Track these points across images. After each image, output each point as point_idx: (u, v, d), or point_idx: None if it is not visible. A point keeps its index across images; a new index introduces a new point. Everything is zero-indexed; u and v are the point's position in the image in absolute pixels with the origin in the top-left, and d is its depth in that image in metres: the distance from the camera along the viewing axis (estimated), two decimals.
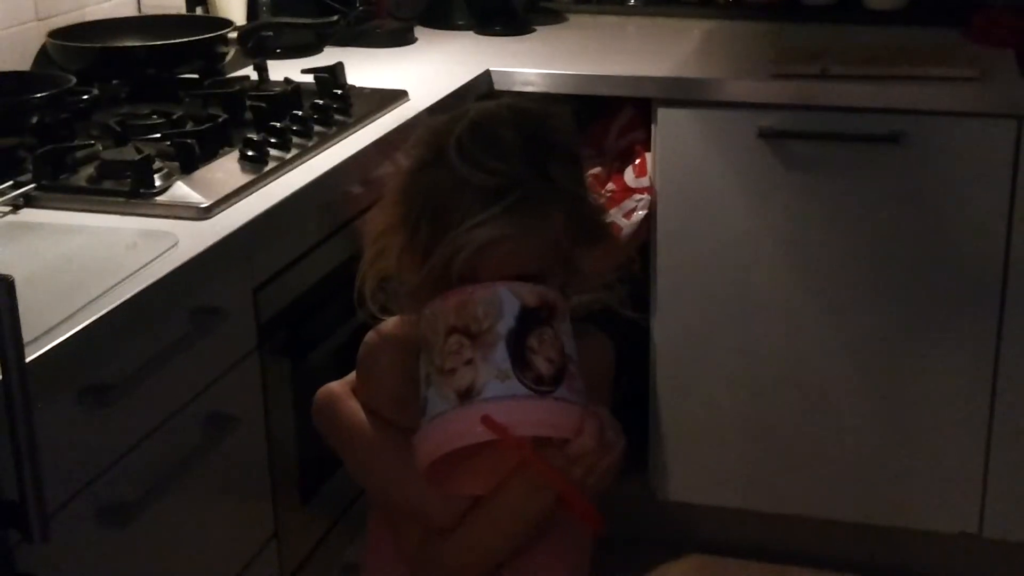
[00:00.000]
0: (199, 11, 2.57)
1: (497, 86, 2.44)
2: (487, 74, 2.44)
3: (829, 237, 2.40)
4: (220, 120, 1.88)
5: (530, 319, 1.24)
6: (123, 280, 1.41)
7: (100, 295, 1.37)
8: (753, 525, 2.62)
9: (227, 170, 1.76)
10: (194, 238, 1.55)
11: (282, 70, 2.23)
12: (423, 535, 1.40)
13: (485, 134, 1.30)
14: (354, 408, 1.43)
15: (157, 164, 1.71)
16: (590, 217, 1.37)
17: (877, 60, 2.40)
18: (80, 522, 1.36)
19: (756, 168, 2.39)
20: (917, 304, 2.39)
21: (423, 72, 2.43)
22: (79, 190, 1.69)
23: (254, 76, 2.21)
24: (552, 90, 2.42)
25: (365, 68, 2.38)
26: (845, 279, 2.42)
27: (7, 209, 1.64)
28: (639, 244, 2.45)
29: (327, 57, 2.47)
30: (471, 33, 2.81)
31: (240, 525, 1.72)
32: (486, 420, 1.21)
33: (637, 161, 2.46)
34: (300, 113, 1.95)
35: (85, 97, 1.99)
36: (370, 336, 1.43)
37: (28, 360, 1.20)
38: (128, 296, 1.38)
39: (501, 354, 1.22)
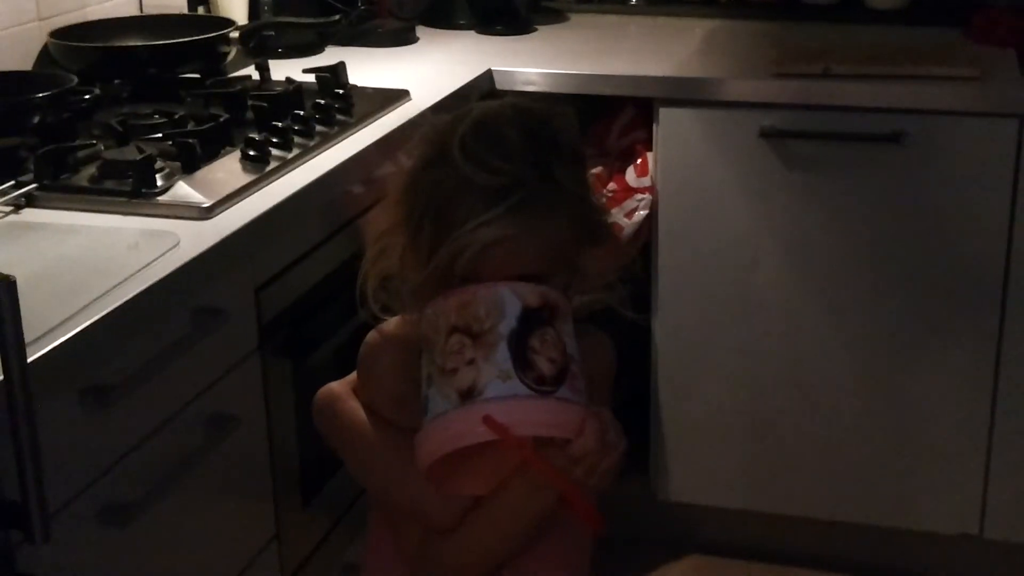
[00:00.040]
0: (201, 11, 2.57)
1: (499, 86, 2.44)
2: (489, 74, 2.44)
3: (830, 237, 2.40)
4: (222, 120, 1.88)
5: (532, 319, 1.24)
6: (124, 280, 1.41)
7: (101, 295, 1.37)
8: (753, 526, 2.62)
9: (229, 170, 1.76)
10: (195, 238, 1.55)
11: (284, 70, 2.23)
12: (423, 535, 1.40)
13: (489, 133, 1.30)
14: (354, 408, 1.43)
15: (159, 164, 1.71)
16: (593, 217, 1.37)
17: (878, 60, 2.40)
18: (81, 522, 1.36)
19: (757, 168, 2.39)
20: (918, 304, 2.39)
21: (425, 72, 2.43)
22: (80, 190, 1.69)
23: (256, 76, 2.21)
24: (554, 90, 2.42)
25: (367, 68, 2.38)
26: (846, 279, 2.42)
27: (9, 209, 1.64)
28: (641, 244, 2.45)
29: (329, 57, 2.47)
30: (473, 32, 2.81)
31: (241, 525, 1.72)
32: (487, 420, 1.21)
33: (638, 161, 2.46)
34: (302, 113, 1.95)
35: (87, 97, 1.99)
36: (371, 336, 1.43)
37: (29, 360, 1.20)
38: (129, 296, 1.38)
39: (503, 354, 1.22)
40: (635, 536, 2.64)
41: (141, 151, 1.74)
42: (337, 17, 2.59)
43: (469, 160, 1.28)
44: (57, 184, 1.69)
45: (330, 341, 1.85)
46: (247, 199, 1.70)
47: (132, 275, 1.42)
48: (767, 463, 2.54)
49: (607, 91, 2.45)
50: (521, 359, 1.22)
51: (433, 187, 1.31)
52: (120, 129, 1.84)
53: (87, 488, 1.37)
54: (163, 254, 1.49)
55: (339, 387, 1.47)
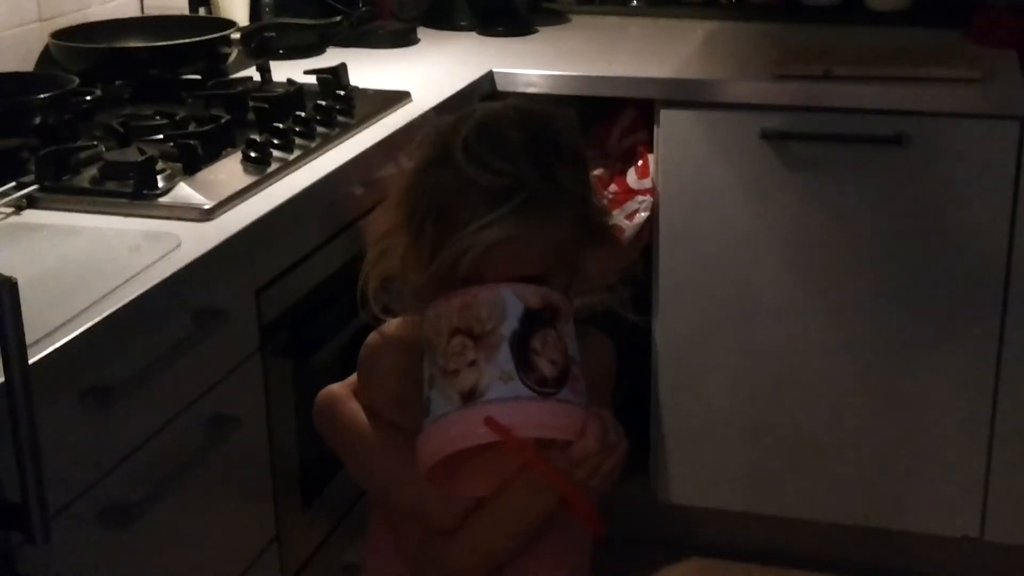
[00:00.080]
0: (202, 12, 2.58)
1: (500, 87, 2.44)
2: (490, 75, 2.44)
3: (831, 238, 2.40)
4: (223, 121, 1.88)
5: (533, 321, 1.24)
6: (126, 281, 1.41)
7: (103, 296, 1.37)
8: (754, 528, 2.62)
9: (230, 171, 1.76)
10: (197, 239, 1.55)
11: (285, 71, 2.23)
12: (424, 536, 1.40)
13: (491, 135, 1.30)
14: (355, 410, 1.44)
15: (160, 165, 1.71)
16: (594, 218, 1.38)
17: (879, 61, 2.40)
18: (82, 523, 1.36)
19: (758, 169, 2.39)
20: (919, 306, 2.39)
21: (426, 73, 2.43)
22: (82, 191, 1.69)
23: (257, 77, 2.21)
24: (555, 91, 2.42)
25: (368, 69, 2.38)
26: (847, 281, 2.41)
27: (10, 210, 1.64)
28: (642, 246, 2.45)
29: (330, 58, 2.47)
30: (474, 34, 2.81)
31: (241, 527, 1.72)
32: (489, 421, 1.21)
33: (639, 162, 2.46)
34: (303, 114, 1.95)
35: (88, 98, 1.99)
36: (372, 337, 1.43)
37: (31, 361, 1.20)
38: (131, 298, 1.38)
39: (504, 356, 1.22)
40: (635, 537, 2.64)
41: (142, 152, 1.74)
42: (338, 18, 2.59)
43: (472, 161, 1.28)
44: (58, 185, 1.69)
45: (331, 342, 1.85)
46: (248, 200, 1.70)
47: (133, 276, 1.42)
48: (767, 465, 2.54)
49: (608, 93, 2.45)
50: (523, 360, 1.22)
51: (435, 188, 1.31)
52: (121, 130, 1.84)
53: (88, 489, 1.37)
54: (164, 255, 1.49)
55: (339, 389, 1.47)
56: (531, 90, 2.42)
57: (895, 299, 2.40)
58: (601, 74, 2.45)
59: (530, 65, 2.49)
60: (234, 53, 2.35)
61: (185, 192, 1.67)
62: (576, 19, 2.95)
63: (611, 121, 2.56)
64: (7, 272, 1.16)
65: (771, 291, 2.45)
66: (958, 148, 2.30)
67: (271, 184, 1.76)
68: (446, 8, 2.87)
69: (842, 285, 2.42)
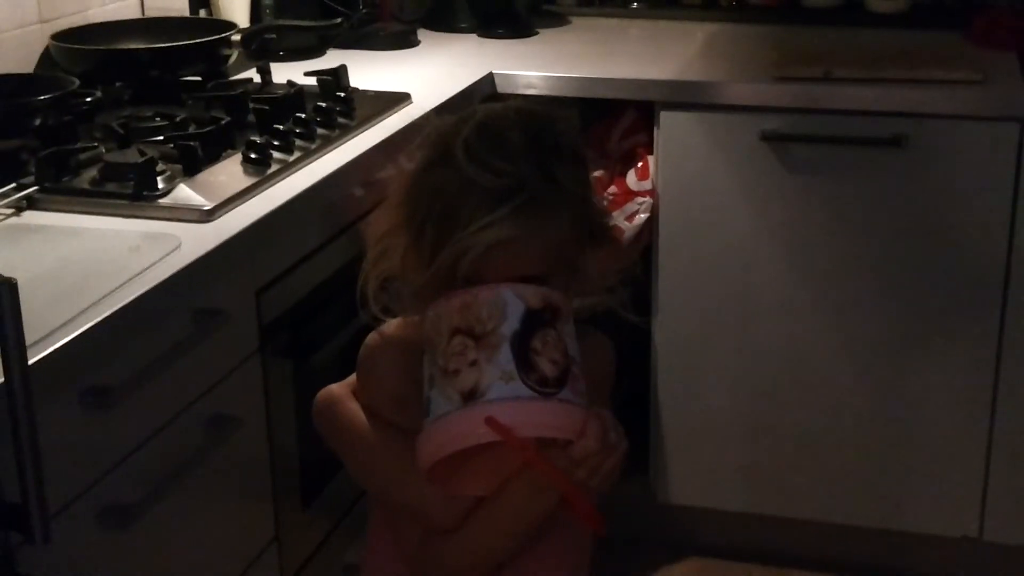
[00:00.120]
0: (202, 13, 2.58)
1: (500, 89, 2.45)
2: (490, 77, 2.44)
3: (831, 240, 2.40)
4: (223, 122, 1.88)
5: (534, 321, 1.24)
6: (126, 282, 1.41)
7: (103, 297, 1.37)
8: (753, 528, 2.62)
9: (230, 172, 1.76)
10: (197, 240, 1.55)
11: (285, 72, 2.23)
12: (424, 536, 1.40)
13: (492, 135, 1.30)
14: (354, 410, 1.44)
15: (160, 166, 1.71)
16: (595, 219, 1.38)
17: (879, 63, 2.40)
18: (82, 524, 1.36)
19: (758, 171, 2.39)
20: (919, 307, 2.39)
21: (426, 75, 2.44)
22: (82, 192, 1.69)
23: (257, 78, 2.21)
24: (555, 93, 2.42)
25: (368, 71, 2.39)
26: (847, 282, 2.42)
27: (10, 211, 1.64)
28: (642, 247, 2.45)
29: (330, 60, 2.47)
30: (474, 36, 2.81)
31: (241, 527, 1.72)
32: (490, 421, 1.21)
33: (639, 164, 2.46)
34: (303, 116, 1.95)
35: (88, 99, 1.99)
36: (371, 337, 1.43)
37: (31, 362, 1.20)
38: (131, 298, 1.38)
39: (505, 356, 1.22)
40: (635, 537, 2.64)
41: (142, 153, 1.74)
42: (339, 20, 2.59)
43: (472, 162, 1.28)
44: (58, 186, 1.69)
45: (331, 343, 1.85)
46: (248, 202, 1.70)
47: (133, 277, 1.42)
48: (767, 465, 2.54)
49: (608, 94, 2.45)
50: (523, 360, 1.23)
51: (436, 189, 1.31)
52: (121, 131, 1.84)
53: (88, 489, 1.37)
54: (164, 256, 1.49)
55: (339, 389, 1.48)
56: (531, 92, 2.42)
57: (895, 299, 2.40)
58: (601, 76, 2.45)
59: (530, 67, 2.49)
60: (234, 55, 2.35)
61: (185, 193, 1.67)
62: (576, 21, 2.96)
63: (611, 123, 2.56)
64: (7, 272, 1.16)
65: (771, 292, 2.45)
66: (958, 150, 2.30)
67: (271, 185, 1.76)
68: (446, 10, 2.87)
69: (842, 286, 2.42)
